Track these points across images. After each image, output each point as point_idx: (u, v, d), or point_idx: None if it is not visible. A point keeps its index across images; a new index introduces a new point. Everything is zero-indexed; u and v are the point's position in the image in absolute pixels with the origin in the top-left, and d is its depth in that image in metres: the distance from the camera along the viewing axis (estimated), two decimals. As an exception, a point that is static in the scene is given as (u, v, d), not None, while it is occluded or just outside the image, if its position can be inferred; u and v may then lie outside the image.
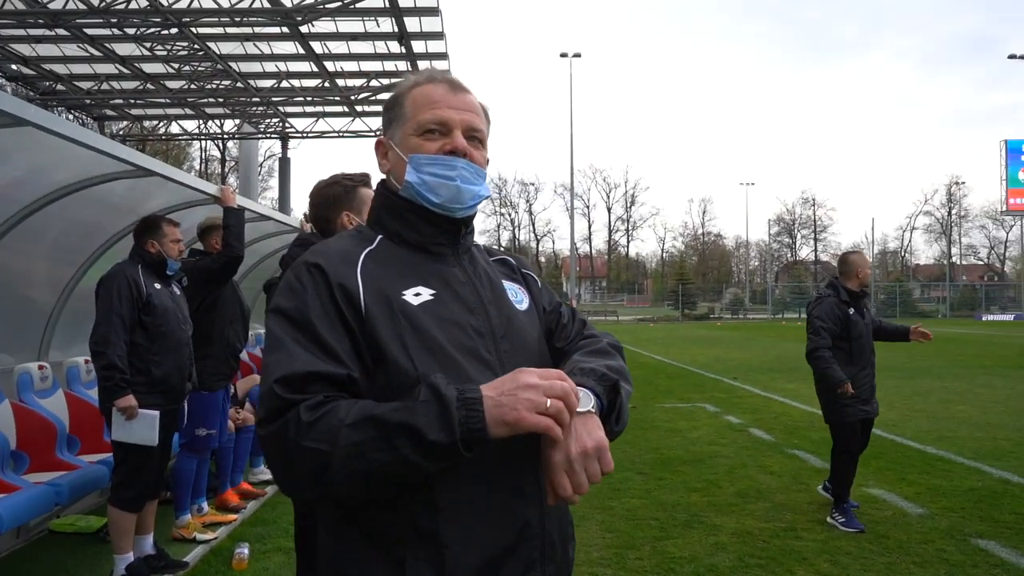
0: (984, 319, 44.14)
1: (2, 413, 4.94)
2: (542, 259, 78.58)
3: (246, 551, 4.62)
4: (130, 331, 4.19)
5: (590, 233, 74.29)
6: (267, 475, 6.61)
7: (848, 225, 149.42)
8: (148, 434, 4.17)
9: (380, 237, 1.49)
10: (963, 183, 69.28)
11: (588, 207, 75.37)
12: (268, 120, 28.07)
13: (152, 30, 17.99)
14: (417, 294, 1.40)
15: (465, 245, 1.54)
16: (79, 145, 3.95)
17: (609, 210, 74.93)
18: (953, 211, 69.12)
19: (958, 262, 70.37)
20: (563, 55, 46.41)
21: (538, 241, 78.11)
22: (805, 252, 73.40)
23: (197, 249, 5.50)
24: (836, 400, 5.44)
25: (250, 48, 21.01)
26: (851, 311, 5.52)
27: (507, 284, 1.57)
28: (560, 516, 1.44)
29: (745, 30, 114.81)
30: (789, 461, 7.26)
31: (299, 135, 29.41)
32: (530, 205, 78.27)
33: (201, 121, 28.36)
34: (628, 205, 73.85)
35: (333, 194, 2.85)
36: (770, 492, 6.25)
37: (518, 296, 1.56)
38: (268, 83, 23.53)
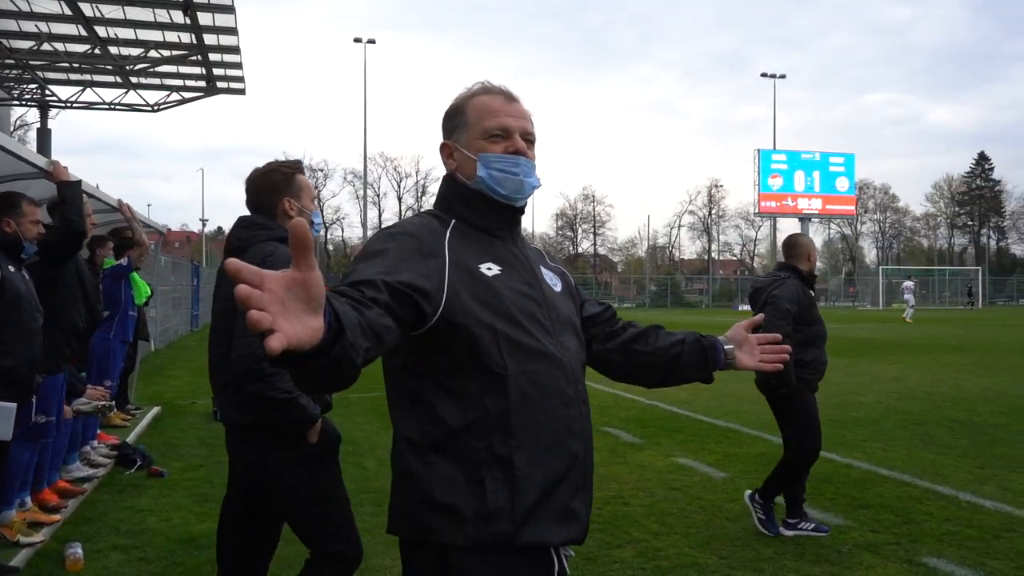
0: (739, 309, 49.25)
1: None
2: (330, 247, 76.73)
3: (79, 550, 4.22)
4: None
5: (380, 222, 73.54)
6: (83, 472, 5.98)
7: (624, 221, 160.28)
8: (2, 428, 3.77)
9: (454, 221, 1.76)
10: (721, 186, 76.39)
11: (379, 196, 74.63)
12: (24, 85, 25.02)
13: None
14: (489, 268, 1.69)
15: (518, 231, 1.85)
16: None
17: (400, 199, 74.73)
18: (713, 211, 76.28)
19: (717, 257, 77.78)
20: (357, 40, 45.55)
21: (327, 229, 76.13)
22: (586, 246, 77.75)
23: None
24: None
25: (4, 2, 18.62)
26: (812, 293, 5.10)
27: (543, 269, 1.85)
28: (591, 456, 1.78)
29: (531, 31, 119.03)
30: (604, 437, 7.65)
31: (62, 104, 26.44)
32: (319, 191, 76.01)
33: (-62, 82, 24.69)
34: (419, 195, 74.02)
35: (273, 182, 2.92)
36: (595, 465, 6.54)
37: (552, 279, 1.85)
38: (26, 44, 20.92)
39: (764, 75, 52.20)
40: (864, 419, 8.82)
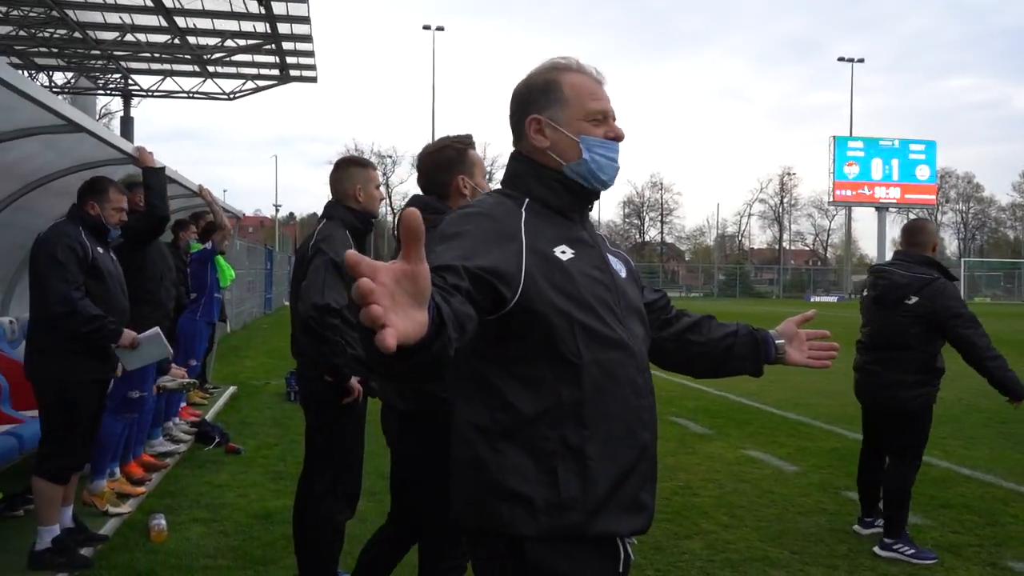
0: (812, 300, 48.05)
1: None
2: (398, 233, 77.69)
3: (163, 522, 4.39)
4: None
5: (446, 210, 74.15)
6: (165, 447, 6.24)
7: (692, 209, 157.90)
8: (162, 350, 4.32)
9: (527, 200, 1.70)
10: (794, 174, 74.59)
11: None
12: (109, 75, 25.98)
13: (-23, -34, 16.14)
14: (563, 252, 1.64)
15: (587, 214, 1.82)
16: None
17: (466, 187, 75.08)
18: (784, 199, 74.47)
19: (788, 247, 75.97)
20: (426, 27, 45.86)
21: (395, 215, 77.14)
22: (653, 234, 76.89)
23: None
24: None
25: (91, -5, 19.31)
26: None
27: (608, 255, 1.79)
28: (656, 446, 1.76)
29: (596, 16, 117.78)
30: (672, 427, 7.57)
31: (144, 93, 27.35)
32: (387, 178, 76.92)
33: (30, 72, 25.82)
34: (487, 182, 74.43)
35: (446, 158, 2.82)
36: (661, 455, 6.42)
37: (618, 264, 1.80)
38: (110, 35, 21.69)
39: (841, 59, 50.77)
40: (944, 416, 8.48)
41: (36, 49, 22.96)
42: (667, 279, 64.20)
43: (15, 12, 19.51)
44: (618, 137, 1.74)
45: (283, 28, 21.85)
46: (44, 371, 3.83)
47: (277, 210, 71.00)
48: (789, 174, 73.75)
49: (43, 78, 26.68)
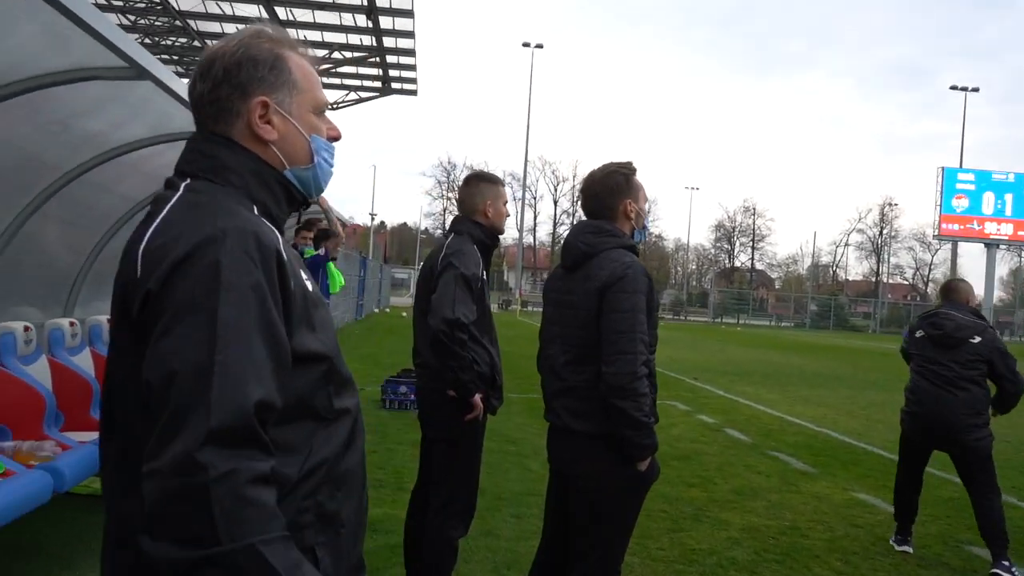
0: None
1: (39, 370, 4.65)
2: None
3: None
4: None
5: (535, 224, 74.34)
6: None
7: (785, 236, 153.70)
8: None
9: (256, 207, 1.35)
10: (895, 205, 71.83)
11: (536, 198, 75.37)
12: (223, 84, 27.24)
13: (111, -22, 17.15)
14: (308, 279, 1.40)
15: None
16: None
17: (556, 203, 75.07)
18: (884, 231, 71.66)
19: (886, 280, 72.99)
20: (525, 45, 46.26)
21: (484, 230, 77.78)
22: (743, 259, 75.10)
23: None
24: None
25: (211, 7, 20.30)
26: None
27: None
28: None
29: (694, 36, 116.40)
30: (772, 462, 7.27)
31: (253, 102, 28.59)
32: (478, 194, 77.64)
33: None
34: (575, 200, 74.15)
35: (615, 183, 2.87)
36: (764, 491, 6.21)
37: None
38: (227, 45, 22.79)
39: (954, 88, 48.57)
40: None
41: (159, 56, 24.20)
42: (756, 307, 62.49)
43: (142, 21, 20.62)
44: (338, 137, 1.48)
45: (388, 42, 22.44)
46: None
47: (373, 219, 72.74)
48: (890, 204, 71.16)
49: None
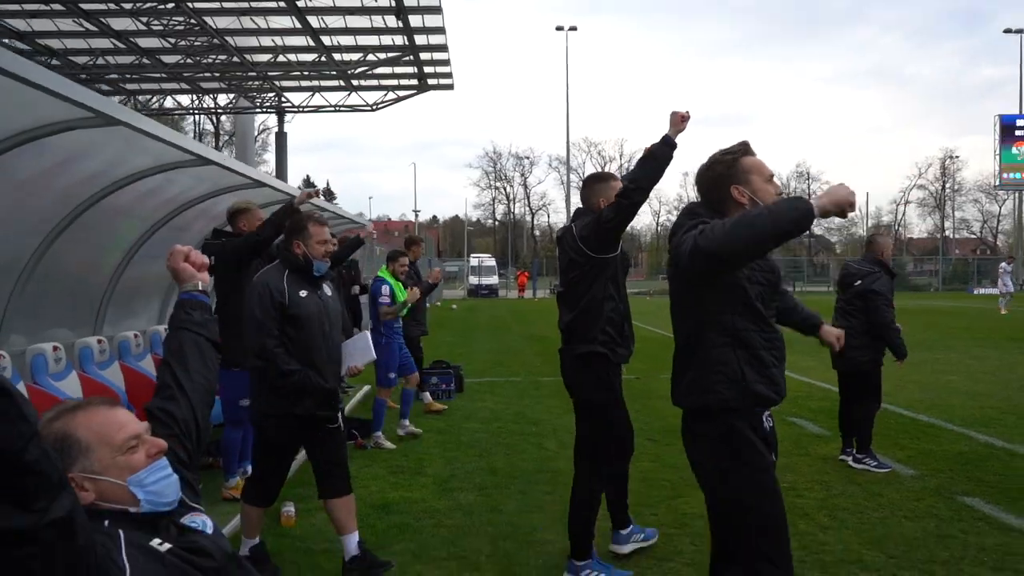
0: (976, 292, 44.48)
1: (70, 385, 5.28)
2: (537, 232, 78.61)
3: (292, 509, 4.92)
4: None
5: (585, 207, 74.16)
6: None
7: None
8: (366, 355, 4.62)
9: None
10: (957, 157, 69.40)
11: (582, 181, 75.30)
12: (264, 94, 27.99)
13: (148, 4, 17.92)
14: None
15: None
16: (160, 141, 4.27)
17: (604, 184, 74.73)
18: (947, 185, 69.40)
19: (951, 236, 70.71)
20: (559, 28, 46.16)
21: (533, 215, 78.14)
22: (799, 226, 73.45)
23: (222, 231, 5.67)
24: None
25: (247, 22, 20.90)
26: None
27: None
28: None
29: (734, 3, 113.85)
30: (789, 428, 7.51)
31: (295, 109, 29.26)
32: (525, 179, 77.98)
33: (196, 95, 28.26)
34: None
35: (715, 175, 2.82)
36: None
37: None
38: (265, 57, 23.42)
39: (1008, 31, 46.64)
40: None
41: (201, 75, 25.07)
42: (815, 273, 61.24)
43: (182, 42, 21.43)
44: (162, 450, 1.68)
45: (420, 40, 22.77)
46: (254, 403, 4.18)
47: (416, 215, 73.65)
48: (952, 157, 68.79)
49: (207, 100, 29.04)
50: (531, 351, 15.11)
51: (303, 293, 4.00)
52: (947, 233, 69.94)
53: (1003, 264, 29.93)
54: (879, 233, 6.84)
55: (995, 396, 9.43)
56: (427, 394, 8.92)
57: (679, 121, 3.66)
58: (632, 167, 4.01)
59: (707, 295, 2.71)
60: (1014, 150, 42.39)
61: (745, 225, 2.44)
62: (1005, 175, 42.90)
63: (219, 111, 35.30)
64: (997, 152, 42.53)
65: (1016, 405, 8.83)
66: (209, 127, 53.75)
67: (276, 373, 3.89)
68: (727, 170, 2.79)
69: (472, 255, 55.78)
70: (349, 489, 4.16)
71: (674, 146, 3.68)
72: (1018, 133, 42.33)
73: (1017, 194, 47.08)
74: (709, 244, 2.48)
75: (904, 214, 73.41)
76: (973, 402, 8.99)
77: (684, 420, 2.88)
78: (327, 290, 4.19)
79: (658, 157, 3.70)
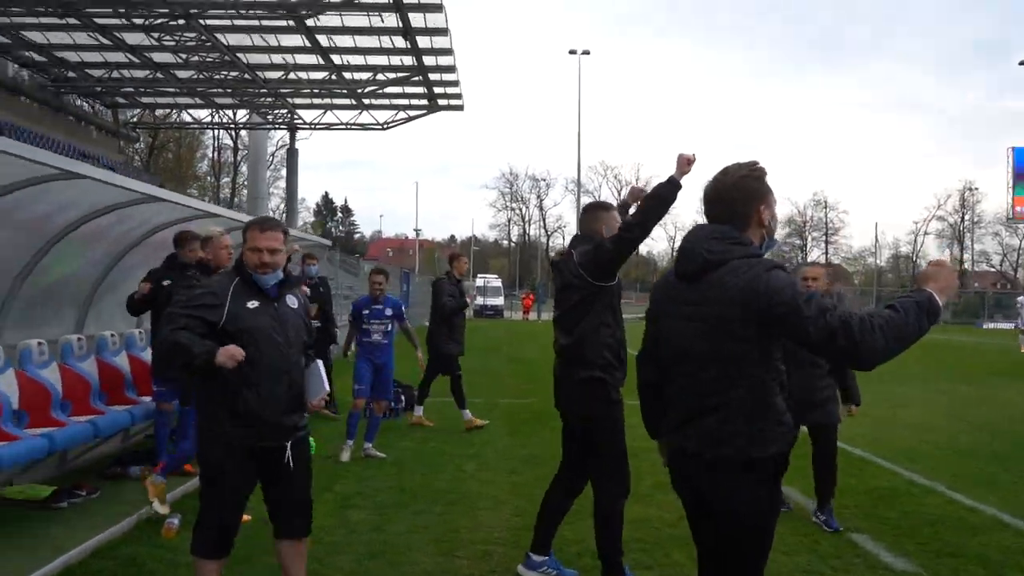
0: (984, 327, 44.04)
1: (51, 374, 6.20)
2: (552, 254, 78.71)
3: (177, 522, 4.90)
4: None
5: (601, 228, 74.25)
6: None
7: (859, 228, 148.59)
8: (319, 389, 3.72)
9: None
10: (976, 189, 68.70)
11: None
12: (276, 111, 28.63)
13: (160, 20, 18.55)
14: None
15: None
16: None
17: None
18: (966, 217, 68.88)
19: (970, 268, 69.99)
20: (572, 52, 46.27)
21: (548, 236, 78.44)
22: (816, 254, 73.31)
23: (174, 258, 6.23)
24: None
25: (257, 40, 21.49)
26: None
27: None
28: None
29: (756, 30, 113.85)
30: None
31: (307, 127, 29.92)
32: (541, 200, 78.53)
33: (212, 110, 28.98)
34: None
35: (751, 189, 2.68)
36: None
37: None
38: (276, 75, 24.03)
39: (1023, 63, 46.38)
40: None
41: (214, 90, 25.71)
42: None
43: (194, 58, 22.07)
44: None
45: (428, 60, 23.16)
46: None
47: (417, 234, 74.12)
48: (971, 189, 68.27)
49: (225, 116, 29.70)
50: (507, 372, 15.39)
51: (252, 304, 3.52)
52: (966, 266, 69.25)
53: (1020, 298, 29.14)
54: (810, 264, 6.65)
55: (940, 431, 9.58)
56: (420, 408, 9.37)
57: (685, 164, 3.89)
58: (644, 194, 4.25)
59: (772, 347, 2.59)
60: (1027, 184, 42.16)
61: (896, 339, 2.37)
62: (1018, 208, 42.63)
63: (235, 126, 35.93)
64: (1010, 185, 42.30)
65: (956, 441, 8.99)
66: (229, 141, 54.70)
67: (182, 359, 3.34)
68: (760, 186, 2.68)
69: (478, 275, 55.76)
70: (303, 531, 3.72)
71: (679, 187, 3.91)
72: (1032, 167, 42.11)
73: (1032, 228, 46.66)
74: (872, 355, 2.37)
75: (922, 245, 72.94)
76: (915, 436, 9.14)
77: (715, 469, 2.59)
78: (291, 302, 3.69)
79: (663, 197, 3.95)
